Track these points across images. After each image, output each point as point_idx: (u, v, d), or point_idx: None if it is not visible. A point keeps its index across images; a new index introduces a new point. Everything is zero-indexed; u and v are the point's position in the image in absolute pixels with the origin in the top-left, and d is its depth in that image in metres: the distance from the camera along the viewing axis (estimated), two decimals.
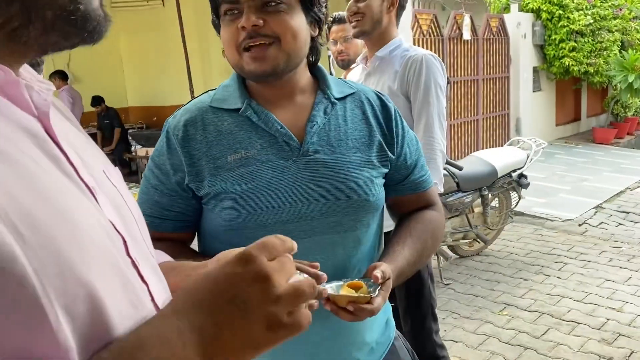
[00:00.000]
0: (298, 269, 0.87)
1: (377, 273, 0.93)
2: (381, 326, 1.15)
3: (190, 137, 1.00)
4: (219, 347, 0.50)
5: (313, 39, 1.05)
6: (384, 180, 1.10)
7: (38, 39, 0.50)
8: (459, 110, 7.23)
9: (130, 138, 7.73)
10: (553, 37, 8.33)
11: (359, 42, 2.56)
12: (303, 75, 1.06)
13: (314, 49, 1.07)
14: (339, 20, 2.66)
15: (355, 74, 2.29)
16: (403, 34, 5.55)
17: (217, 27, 1.04)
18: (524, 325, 3.12)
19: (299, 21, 0.99)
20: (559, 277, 3.76)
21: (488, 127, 7.83)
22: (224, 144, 1.00)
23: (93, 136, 7.55)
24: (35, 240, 0.43)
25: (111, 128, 7.59)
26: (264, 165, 0.99)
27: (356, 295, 0.90)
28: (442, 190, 2.08)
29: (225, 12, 0.99)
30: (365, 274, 0.98)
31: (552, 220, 4.98)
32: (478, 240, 4.09)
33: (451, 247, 4.04)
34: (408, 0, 2.10)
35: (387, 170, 1.09)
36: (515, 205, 4.30)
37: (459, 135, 7.29)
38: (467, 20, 6.96)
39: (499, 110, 8.03)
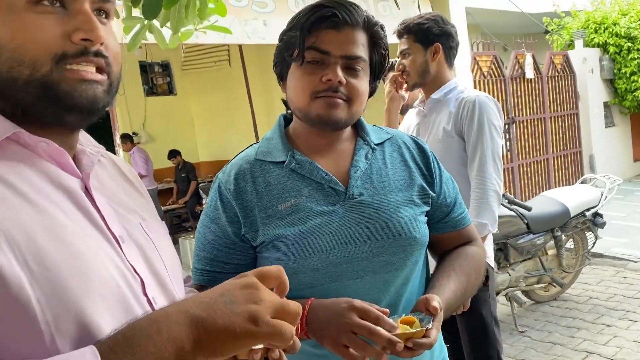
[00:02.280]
0: (364, 310, 0.90)
1: (435, 304, 0.94)
2: None
3: (242, 190, 1.06)
4: (203, 329, 0.57)
5: None
6: (426, 218, 1.13)
7: (42, 119, 0.63)
8: (527, 149, 7.05)
9: (201, 192, 8.06)
10: (623, 71, 8.04)
11: None
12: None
13: None
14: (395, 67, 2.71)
15: (411, 116, 2.32)
16: (463, 76, 5.63)
17: (282, 65, 1.09)
18: None
19: (365, 87, 1.08)
20: None
21: (559, 166, 7.55)
22: (273, 194, 1.05)
23: (169, 190, 7.97)
24: (43, 275, 0.55)
25: (188, 181, 7.90)
26: (313, 210, 1.03)
27: (413, 330, 0.91)
28: (493, 231, 2.02)
29: (310, 59, 1.03)
30: (414, 307, 0.99)
31: (635, 262, 4.65)
32: (554, 284, 3.89)
33: (525, 292, 3.85)
34: (458, 40, 2.12)
35: (428, 208, 1.13)
36: (592, 246, 4.08)
37: (529, 175, 7.07)
38: (529, 59, 6.88)
39: (570, 148, 7.75)
